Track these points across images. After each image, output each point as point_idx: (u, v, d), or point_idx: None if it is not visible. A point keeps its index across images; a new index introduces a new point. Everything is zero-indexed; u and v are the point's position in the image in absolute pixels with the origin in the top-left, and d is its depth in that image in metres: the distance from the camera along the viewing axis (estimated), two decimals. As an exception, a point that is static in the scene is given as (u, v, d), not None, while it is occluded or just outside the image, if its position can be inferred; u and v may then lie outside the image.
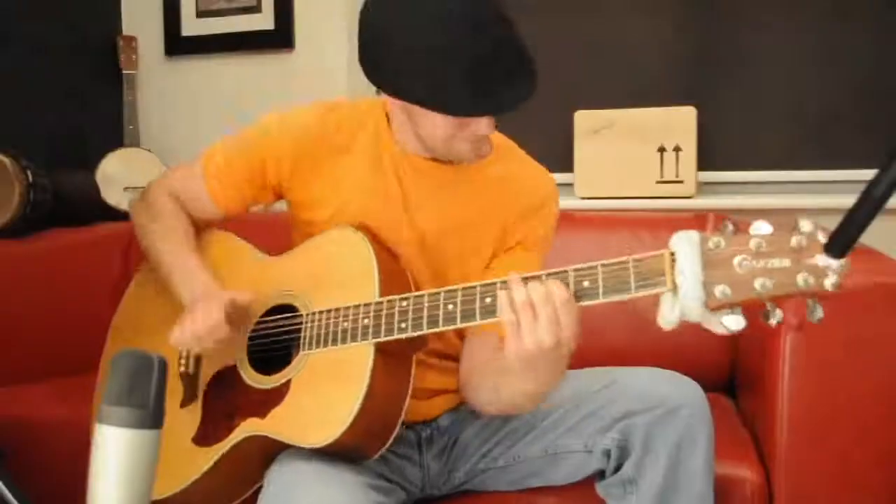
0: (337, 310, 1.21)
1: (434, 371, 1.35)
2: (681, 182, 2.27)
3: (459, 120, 1.17)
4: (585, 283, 1.01)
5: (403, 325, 1.15)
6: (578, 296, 1.02)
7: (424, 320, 1.14)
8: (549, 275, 1.03)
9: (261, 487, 1.24)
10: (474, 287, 1.11)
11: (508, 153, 1.39)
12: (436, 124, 1.19)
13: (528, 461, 1.31)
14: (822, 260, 0.89)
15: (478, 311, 1.10)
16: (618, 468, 1.23)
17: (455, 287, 1.12)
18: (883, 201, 0.84)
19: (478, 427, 1.36)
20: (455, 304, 1.11)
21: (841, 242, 0.91)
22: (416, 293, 1.17)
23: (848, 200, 0.87)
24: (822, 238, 0.90)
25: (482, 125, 1.18)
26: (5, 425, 1.66)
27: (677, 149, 2.27)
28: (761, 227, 0.92)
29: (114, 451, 0.73)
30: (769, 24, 2.34)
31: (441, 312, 1.12)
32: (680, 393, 1.21)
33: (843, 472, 1.32)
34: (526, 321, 1.01)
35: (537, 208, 1.36)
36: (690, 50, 2.41)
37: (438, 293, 1.14)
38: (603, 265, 1.01)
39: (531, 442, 1.31)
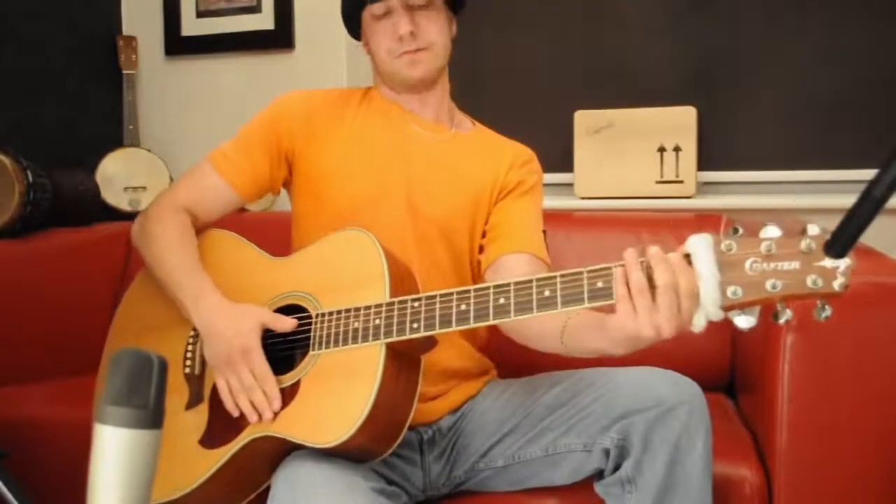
0: (347, 310, 1.20)
1: (436, 372, 1.35)
2: (681, 182, 2.27)
3: (388, 28, 1.36)
4: (599, 284, 1.03)
5: (416, 325, 1.14)
6: (592, 296, 1.03)
7: (437, 320, 1.13)
8: (562, 275, 1.05)
9: (264, 492, 1.23)
10: (488, 287, 1.11)
11: (487, 131, 1.54)
12: (376, 42, 1.39)
13: (528, 461, 1.31)
14: (830, 262, 0.91)
15: (491, 311, 1.10)
16: (616, 468, 1.23)
17: (468, 288, 1.13)
18: (883, 201, 0.84)
19: (478, 427, 1.36)
20: (468, 304, 1.11)
21: (841, 242, 0.91)
22: (428, 293, 1.16)
23: (848, 200, 0.87)
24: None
25: (401, 21, 1.35)
26: (5, 425, 1.66)
27: (677, 149, 2.27)
28: (771, 231, 0.94)
29: (114, 451, 0.73)
30: (769, 24, 2.35)
31: (454, 312, 1.12)
32: (678, 392, 1.21)
33: (843, 472, 1.32)
34: (643, 306, 0.98)
35: (525, 161, 1.49)
36: (690, 50, 2.41)
37: (451, 293, 1.13)
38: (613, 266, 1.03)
39: (531, 441, 1.31)
